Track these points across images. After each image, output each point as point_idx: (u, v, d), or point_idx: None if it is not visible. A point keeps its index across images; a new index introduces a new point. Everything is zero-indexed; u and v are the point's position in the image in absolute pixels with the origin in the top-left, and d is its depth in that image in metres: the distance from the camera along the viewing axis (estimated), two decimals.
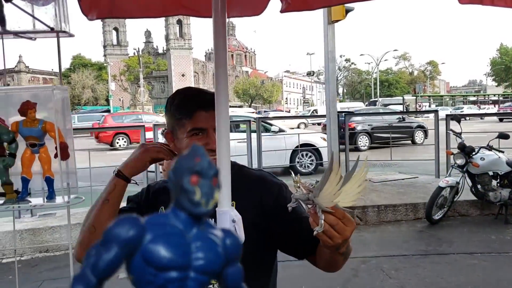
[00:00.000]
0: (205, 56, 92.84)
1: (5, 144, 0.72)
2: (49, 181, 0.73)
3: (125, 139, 18.35)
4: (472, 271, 3.86)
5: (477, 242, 4.57)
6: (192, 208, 0.26)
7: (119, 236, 0.25)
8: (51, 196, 0.73)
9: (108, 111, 48.14)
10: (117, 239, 0.25)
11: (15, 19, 0.71)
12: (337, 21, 6.04)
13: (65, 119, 0.73)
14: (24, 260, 4.63)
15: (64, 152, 0.71)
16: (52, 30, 0.69)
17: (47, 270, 4.35)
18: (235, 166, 1.33)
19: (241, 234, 0.92)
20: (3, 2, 0.68)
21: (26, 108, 0.70)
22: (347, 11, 6.05)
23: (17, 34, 0.72)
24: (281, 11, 1.65)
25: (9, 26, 0.71)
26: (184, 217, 0.27)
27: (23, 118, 0.71)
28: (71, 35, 0.74)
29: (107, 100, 51.71)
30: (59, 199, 0.72)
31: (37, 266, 4.48)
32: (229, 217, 0.89)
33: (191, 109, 1.22)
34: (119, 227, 0.26)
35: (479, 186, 5.21)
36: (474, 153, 5.13)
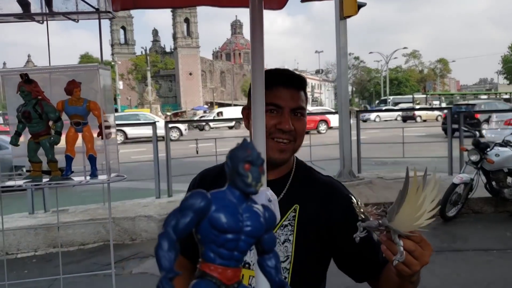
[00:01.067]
0: (212, 54, 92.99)
1: (51, 122, 0.73)
2: (92, 159, 0.73)
3: None
4: (488, 268, 3.82)
5: (492, 239, 4.52)
6: (245, 188, 0.34)
7: (193, 205, 0.33)
8: (94, 173, 0.74)
9: (116, 110, 48.49)
10: (192, 208, 0.33)
11: (60, 0, 0.72)
12: (349, 16, 6.01)
13: (107, 98, 0.74)
14: (39, 255, 4.68)
15: (107, 131, 0.71)
16: (96, 10, 0.70)
17: (62, 265, 4.39)
18: (301, 166, 1.29)
19: (277, 213, 0.92)
20: None
21: (72, 87, 0.70)
22: (359, 6, 6.02)
23: (64, 14, 0.72)
24: (302, 1, 1.64)
25: (55, 7, 0.72)
26: (237, 194, 0.35)
27: (68, 97, 0.71)
28: (113, 17, 0.74)
29: (115, 99, 52.04)
30: (101, 177, 0.73)
31: (52, 261, 4.52)
32: (265, 197, 0.89)
33: (272, 83, 1.15)
34: (194, 199, 0.33)
35: (493, 183, 5.17)
36: (488, 149, 5.09)
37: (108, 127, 0.73)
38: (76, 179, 0.75)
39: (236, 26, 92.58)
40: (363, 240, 1.13)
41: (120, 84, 55.46)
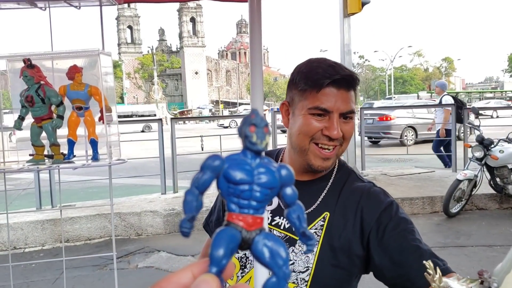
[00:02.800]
0: (218, 53, 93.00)
1: (53, 106, 0.76)
2: (94, 143, 0.76)
3: None
4: (492, 263, 3.80)
5: (496, 235, 4.52)
6: (252, 147, 0.39)
7: (210, 165, 0.39)
8: (95, 157, 0.77)
9: None
10: (209, 167, 0.39)
11: None
12: (353, 14, 6.00)
13: (108, 84, 0.77)
14: (46, 249, 4.74)
15: (108, 116, 0.74)
16: None
17: (68, 260, 4.44)
18: (343, 168, 1.17)
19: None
20: None
21: (74, 71, 0.73)
22: (363, 3, 6.00)
23: (65, 1, 0.75)
24: None
25: None
26: (249, 153, 0.40)
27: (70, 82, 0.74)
28: (115, 3, 0.77)
29: (122, 98, 52.23)
30: (102, 161, 0.76)
31: (59, 255, 4.58)
32: None
33: (321, 81, 1.01)
34: (209, 160, 0.39)
35: (497, 179, 5.15)
36: (492, 145, 5.07)
37: (109, 112, 0.76)
38: (78, 162, 0.78)
39: (241, 25, 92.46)
40: (403, 249, 0.97)
41: (127, 83, 55.63)
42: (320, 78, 1.01)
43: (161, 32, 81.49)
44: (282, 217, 1.09)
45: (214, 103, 65.61)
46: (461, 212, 5.12)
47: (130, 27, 77.09)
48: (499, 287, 0.54)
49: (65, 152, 0.77)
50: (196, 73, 75.36)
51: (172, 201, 5.54)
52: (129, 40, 77.12)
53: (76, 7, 0.78)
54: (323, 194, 1.10)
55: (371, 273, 1.10)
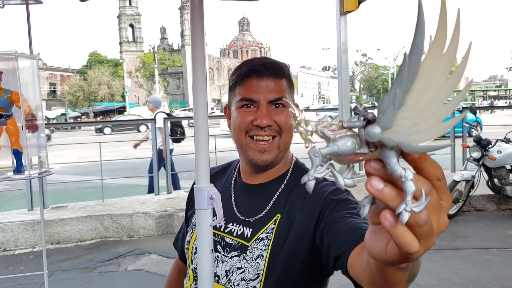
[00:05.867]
0: (220, 52, 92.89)
1: None
2: (17, 154, 0.69)
3: None
4: (487, 266, 3.74)
5: (493, 237, 4.43)
6: None
7: None
8: (19, 169, 0.70)
9: (124, 107, 48.58)
10: None
11: None
12: (349, 11, 5.92)
13: (35, 89, 0.70)
14: (36, 251, 4.68)
15: (31, 124, 0.67)
16: None
17: (58, 261, 4.39)
18: (299, 169, 1.10)
19: (219, 212, 0.85)
20: None
21: None
22: (360, 1, 5.92)
23: None
24: None
25: None
26: None
27: None
28: (39, 2, 0.70)
29: (123, 97, 52.25)
30: (27, 173, 0.69)
31: (48, 257, 4.51)
32: (206, 194, 0.83)
33: (243, 74, 1.03)
34: None
35: (495, 180, 5.07)
36: (490, 146, 4.99)
37: (33, 120, 0.69)
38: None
39: (243, 24, 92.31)
40: (340, 219, 0.85)
41: (128, 82, 55.63)
42: (243, 72, 1.04)
43: (163, 30, 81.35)
44: (235, 224, 1.05)
45: (216, 102, 65.54)
46: (458, 214, 5.03)
47: (131, 25, 76.97)
48: (385, 128, 0.35)
49: None
50: None
51: (165, 202, 5.47)
52: (130, 39, 76.99)
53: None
54: (275, 196, 1.05)
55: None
